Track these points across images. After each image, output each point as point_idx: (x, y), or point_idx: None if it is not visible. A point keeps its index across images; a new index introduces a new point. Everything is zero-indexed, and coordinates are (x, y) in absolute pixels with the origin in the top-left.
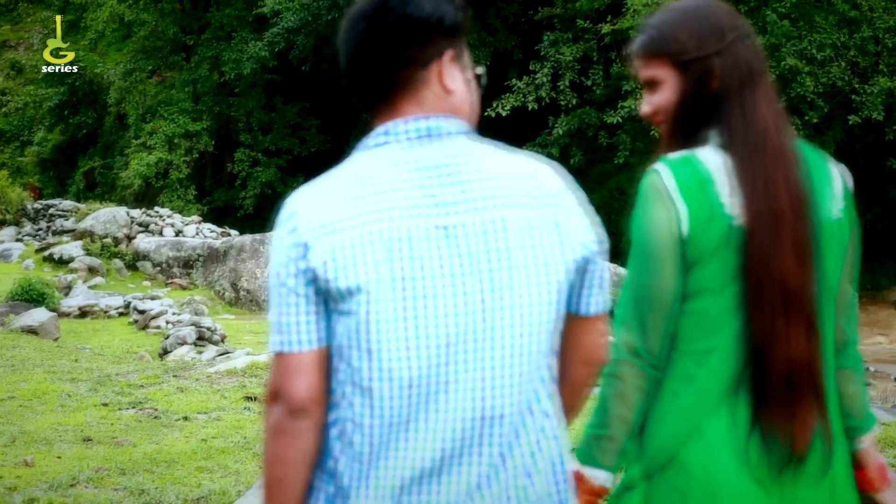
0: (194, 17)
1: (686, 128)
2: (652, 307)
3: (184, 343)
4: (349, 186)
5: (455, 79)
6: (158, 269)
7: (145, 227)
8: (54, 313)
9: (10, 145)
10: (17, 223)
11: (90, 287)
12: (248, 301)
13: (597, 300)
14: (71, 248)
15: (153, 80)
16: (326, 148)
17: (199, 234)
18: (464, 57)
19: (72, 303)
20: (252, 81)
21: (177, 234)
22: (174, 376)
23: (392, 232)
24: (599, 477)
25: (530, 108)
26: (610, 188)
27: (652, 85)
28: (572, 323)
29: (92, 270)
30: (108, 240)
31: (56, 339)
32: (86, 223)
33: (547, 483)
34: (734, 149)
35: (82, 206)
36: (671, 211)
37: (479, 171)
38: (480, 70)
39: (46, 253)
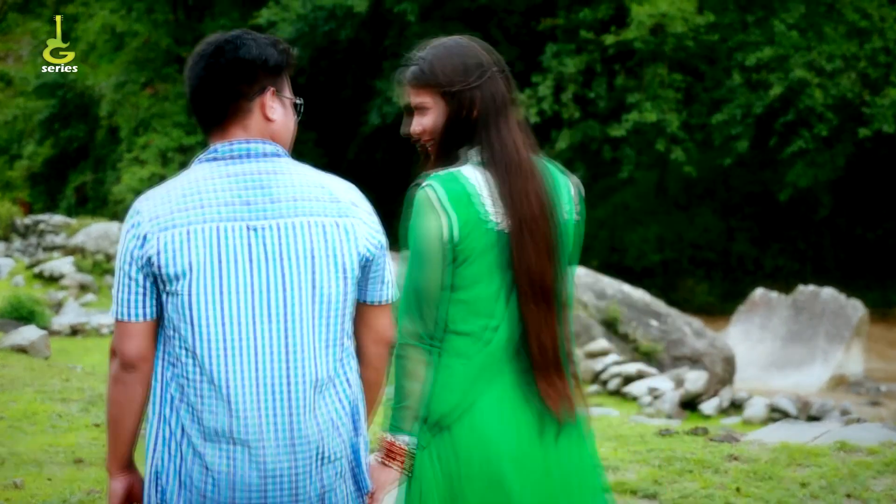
0: (188, 29)
1: (449, 147)
2: (426, 299)
3: None
4: (181, 192)
5: (275, 110)
6: None
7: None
8: (45, 331)
9: (0, 159)
10: (6, 239)
11: (82, 304)
12: None
13: (382, 291)
14: (62, 264)
15: (146, 93)
16: (324, 162)
17: None
18: (285, 90)
19: (63, 321)
20: None
21: None
22: None
23: (211, 231)
24: (405, 440)
25: (532, 121)
26: (614, 203)
27: (420, 109)
28: (363, 310)
29: (83, 287)
30: (100, 256)
31: (47, 358)
32: (77, 239)
33: (345, 439)
34: (492, 167)
35: (73, 221)
36: (442, 219)
37: (288, 185)
38: (298, 100)
39: (36, 269)
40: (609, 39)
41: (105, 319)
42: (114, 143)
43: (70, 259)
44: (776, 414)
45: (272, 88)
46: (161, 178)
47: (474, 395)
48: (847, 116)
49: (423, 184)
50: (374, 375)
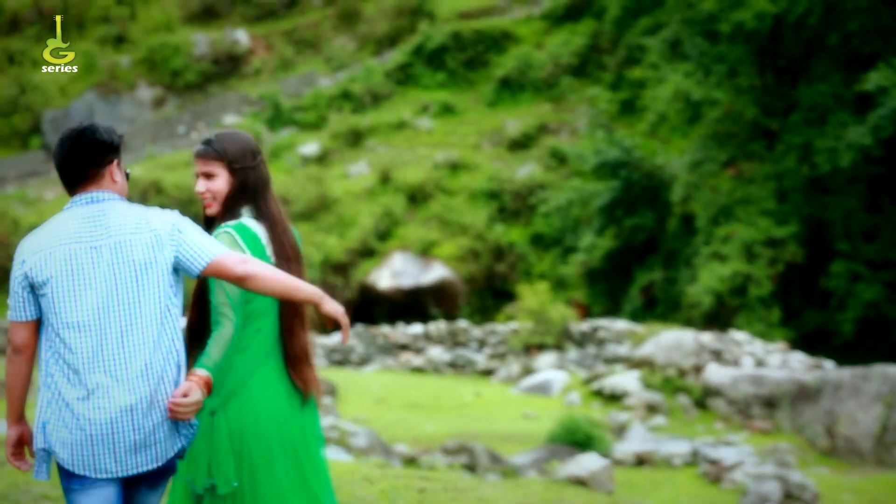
0: (779, 96)
1: (232, 206)
2: (235, 304)
3: (768, 501)
4: (49, 230)
5: (116, 174)
6: (734, 408)
7: (718, 356)
8: (607, 461)
9: (551, 252)
10: (559, 347)
11: (650, 428)
12: (847, 451)
13: (203, 255)
14: (625, 379)
15: (727, 174)
16: None
17: (784, 365)
18: (121, 162)
19: (626, 448)
20: (852, 176)
21: (757, 366)
22: None
23: (65, 251)
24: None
25: None
26: None
27: (209, 176)
28: (214, 272)
29: (651, 408)
30: (672, 370)
31: (610, 493)
32: (644, 349)
33: (171, 385)
34: (263, 221)
35: (640, 328)
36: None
37: (116, 217)
38: (128, 171)
39: (595, 385)
40: None
41: (677, 447)
42: (688, 233)
43: (636, 373)
44: None
45: (116, 161)
46: (746, 277)
47: (245, 376)
48: None
49: (223, 230)
50: (271, 279)
